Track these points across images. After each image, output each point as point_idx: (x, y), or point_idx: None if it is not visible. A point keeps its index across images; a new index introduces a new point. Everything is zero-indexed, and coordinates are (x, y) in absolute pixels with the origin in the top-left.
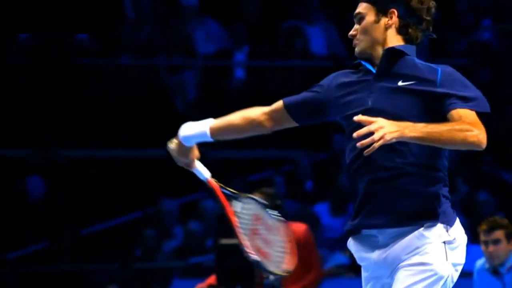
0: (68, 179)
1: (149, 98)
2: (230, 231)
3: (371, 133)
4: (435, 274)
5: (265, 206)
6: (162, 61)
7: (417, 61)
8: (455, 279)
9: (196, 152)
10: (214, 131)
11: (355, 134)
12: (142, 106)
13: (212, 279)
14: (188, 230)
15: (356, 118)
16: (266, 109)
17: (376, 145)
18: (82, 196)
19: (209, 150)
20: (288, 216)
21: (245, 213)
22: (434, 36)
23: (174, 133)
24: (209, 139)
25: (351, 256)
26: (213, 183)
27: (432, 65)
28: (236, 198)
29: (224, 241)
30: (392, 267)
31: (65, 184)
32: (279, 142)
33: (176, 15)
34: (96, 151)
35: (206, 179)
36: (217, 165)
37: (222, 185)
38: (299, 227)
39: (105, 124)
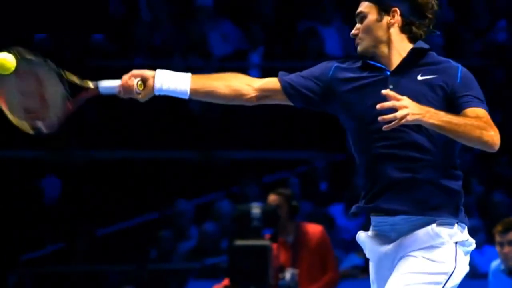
0: (84, 180)
1: (165, 99)
2: (244, 232)
3: (394, 110)
4: (443, 273)
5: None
6: (177, 62)
7: (437, 56)
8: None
9: None
10: (193, 92)
11: (378, 106)
12: (157, 107)
13: (228, 281)
14: (204, 231)
15: (384, 91)
16: (256, 83)
17: (398, 123)
18: (98, 197)
19: (224, 151)
20: (303, 217)
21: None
22: (438, 33)
23: (189, 135)
24: (185, 97)
25: (365, 257)
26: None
27: (452, 61)
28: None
29: (238, 242)
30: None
31: (81, 185)
32: (294, 143)
33: (191, 16)
34: (112, 152)
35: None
36: (233, 166)
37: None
38: (315, 229)
39: (121, 125)
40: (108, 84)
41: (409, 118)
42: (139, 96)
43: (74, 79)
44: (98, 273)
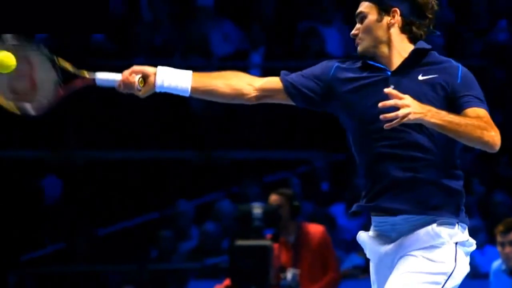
0: (85, 180)
1: (165, 99)
2: (245, 232)
3: (395, 108)
4: (443, 273)
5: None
6: (178, 62)
7: (438, 56)
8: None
9: None
10: (194, 90)
11: (380, 104)
12: (158, 107)
13: (229, 281)
14: (204, 231)
15: (386, 90)
16: (257, 83)
17: (400, 121)
18: (99, 197)
19: (224, 151)
20: (305, 217)
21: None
22: (438, 33)
23: (190, 135)
24: (185, 95)
25: (366, 257)
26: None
27: (453, 61)
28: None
29: (239, 242)
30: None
31: (82, 185)
32: (295, 143)
33: (192, 16)
34: (112, 152)
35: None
36: (233, 166)
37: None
38: (317, 229)
39: (121, 125)
40: (106, 77)
41: (410, 116)
42: (140, 93)
43: (68, 66)
44: (98, 273)
